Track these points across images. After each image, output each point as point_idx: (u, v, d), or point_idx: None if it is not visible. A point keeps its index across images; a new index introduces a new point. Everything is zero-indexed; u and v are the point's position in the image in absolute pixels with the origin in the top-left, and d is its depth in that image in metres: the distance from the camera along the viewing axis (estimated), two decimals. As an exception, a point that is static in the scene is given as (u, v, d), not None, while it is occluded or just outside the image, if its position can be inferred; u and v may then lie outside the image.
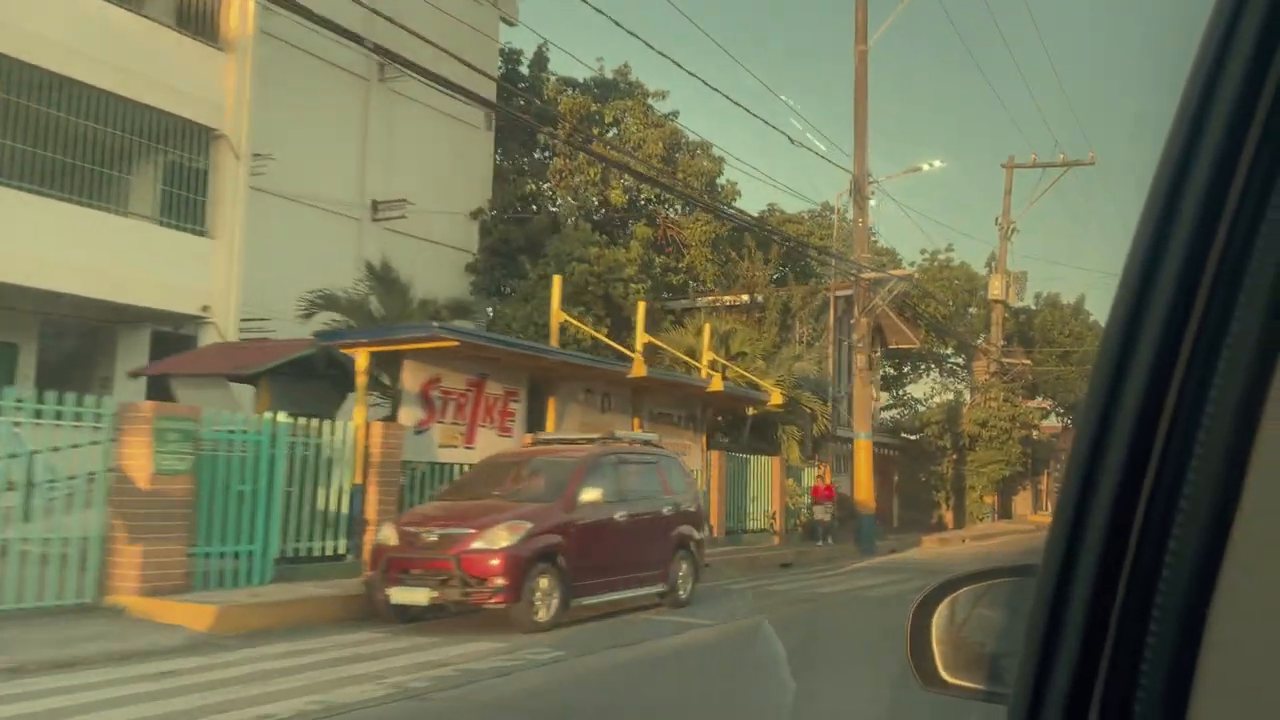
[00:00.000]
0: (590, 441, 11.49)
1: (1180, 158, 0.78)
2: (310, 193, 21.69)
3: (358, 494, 11.50)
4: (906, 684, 1.63)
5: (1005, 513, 41.80)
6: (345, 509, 11.43)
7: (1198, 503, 0.73)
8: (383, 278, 15.54)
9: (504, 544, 9.12)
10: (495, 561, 9.03)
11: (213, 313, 17.35)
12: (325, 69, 22.82)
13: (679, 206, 29.87)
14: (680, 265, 28.81)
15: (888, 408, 39.49)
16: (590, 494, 10.01)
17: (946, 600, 1.67)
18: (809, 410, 21.22)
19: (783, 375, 21.03)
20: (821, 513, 20.57)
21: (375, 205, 23.87)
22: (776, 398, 18.85)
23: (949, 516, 36.32)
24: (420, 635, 9.06)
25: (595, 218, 29.43)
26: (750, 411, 20.74)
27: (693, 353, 19.91)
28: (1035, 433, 55.95)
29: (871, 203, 23.00)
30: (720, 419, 21.17)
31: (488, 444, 13.45)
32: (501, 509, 9.64)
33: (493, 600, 9.04)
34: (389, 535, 9.74)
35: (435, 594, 9.03)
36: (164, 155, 17.70)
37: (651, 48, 16.90)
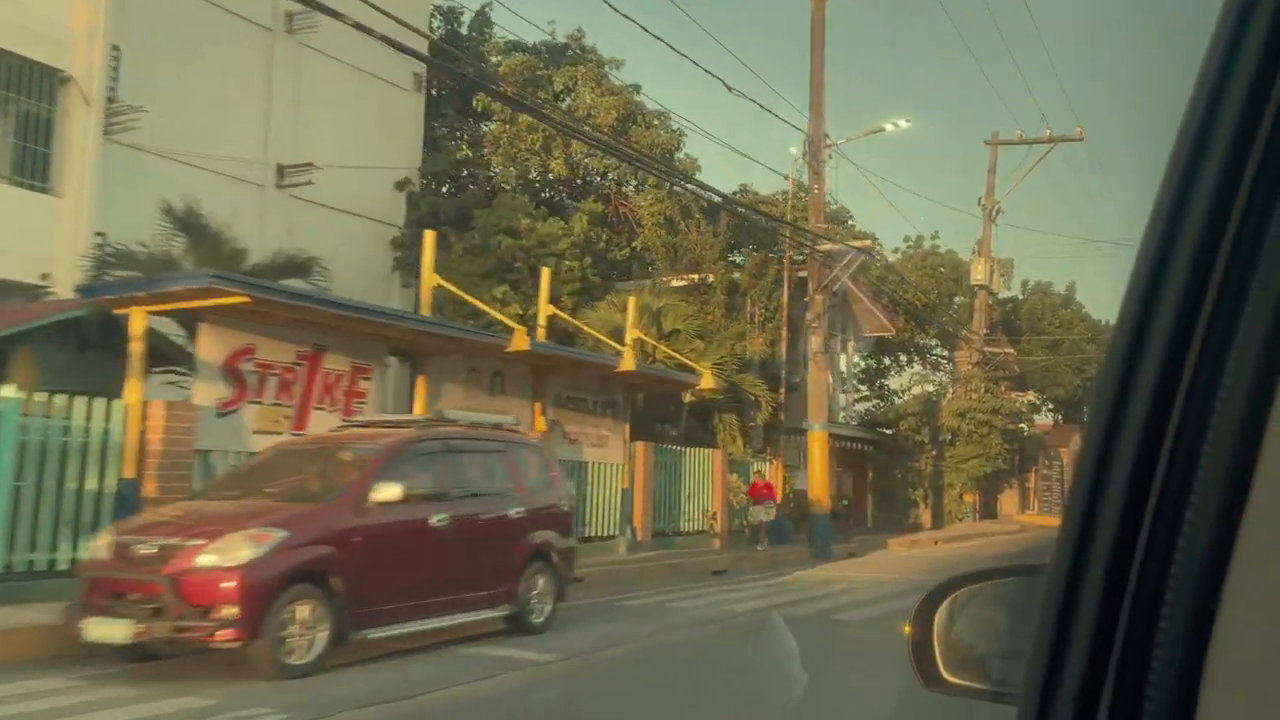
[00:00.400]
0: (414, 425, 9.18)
1: (1189, 156, 0.78)
2: (201, 152, 19.36)
3: (128, 491, 9.19)
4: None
5: (989, 512, 39.55)
6: (108, 510, 9.10)
7: (1206, 503, 0.73)
8: (189, 223, 13.04)
9: (239, 560, 6.76)
10: (225, 584, 6.67)
11: (54, 281, 15.04)
12: (222, 17, 20.51)
13: (635, 182, 27.53)
14: (633, 246, 26.49)
15: (863, 399, 37.19)
16: (387, 491, 7.67)
17: (948, 600, 1.66)
18: (754, 398, 18.88)
19: (724, 357, 18.69)
20: (761, 513, 18.20)
21: (281, 170, 21.55)
22: (708, 380, 16.52)
23: (926, 516, 34.03)
24: (125, 685, 6.74)
25: (543, 195, 27.14)
26: (688, 399, 18.47)
27: (620, 332, 17.62)
28: (1025, 427, 53.84)
29: (832, 167, 20.64)
30: (649, 406, 18.88)
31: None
32: (256, 513, 7.29)
33: (220, 637, 6.67)
34: (100, 547, 7.42)
35: (139, 628, 6.66)
36: (6, 102, 15.41)
37: (609, 4, 14.50)
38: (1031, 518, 41.00)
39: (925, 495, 34.09)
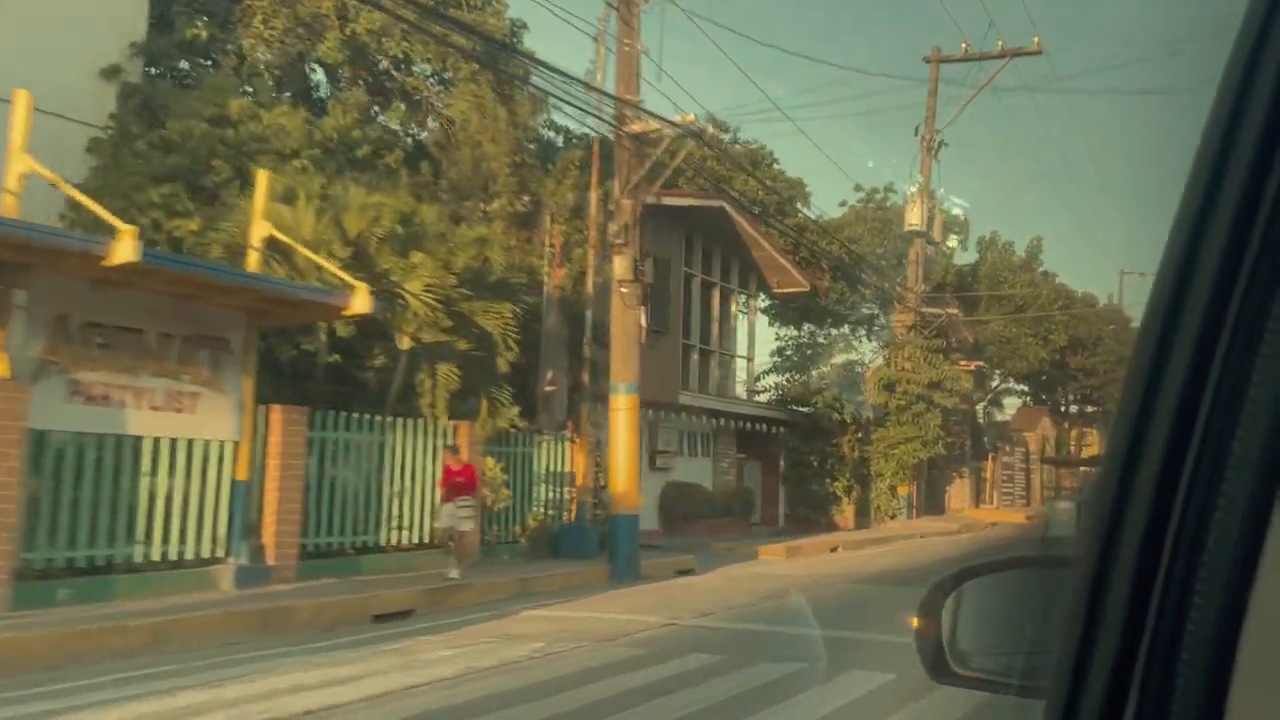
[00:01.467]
0: None
1: (1220, 144, 0.78)
2: None
3: None
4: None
5: (935, 506, 33.41)
6: None
7: (1237, 493, 0.72)
8: None
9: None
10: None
11: None
12: None
13: (445, 73, 21.04)
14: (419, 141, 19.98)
15: (767, 373, 30.88)
16: None
17: (956, 591, 1.65)
18: (501, 339, 12.38)
19: (448, 275, 12.12)
20: (455, 516, 11.61)
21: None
22: (362, 301, 9.96)
23: (848, 513, 27.82)
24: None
25: (315, 89, 20.72)
26: (403, 343, 12.10)
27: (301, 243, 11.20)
28: (997, 411, 47.75)
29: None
30: (350, 357, 12.49)
31: None
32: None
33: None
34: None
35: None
36: None
37: None
38: (986, 513, 34.89)
39: (849, 487, 27.87)
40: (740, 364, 27.48)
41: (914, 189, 28.77)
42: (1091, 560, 0.79)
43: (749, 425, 26.35)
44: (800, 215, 30.74)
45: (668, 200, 21.71)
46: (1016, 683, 1.51)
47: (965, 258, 41.03)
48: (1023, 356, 36.72)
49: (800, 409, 27.69)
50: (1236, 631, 0.70)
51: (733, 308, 25.93)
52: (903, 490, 28.45)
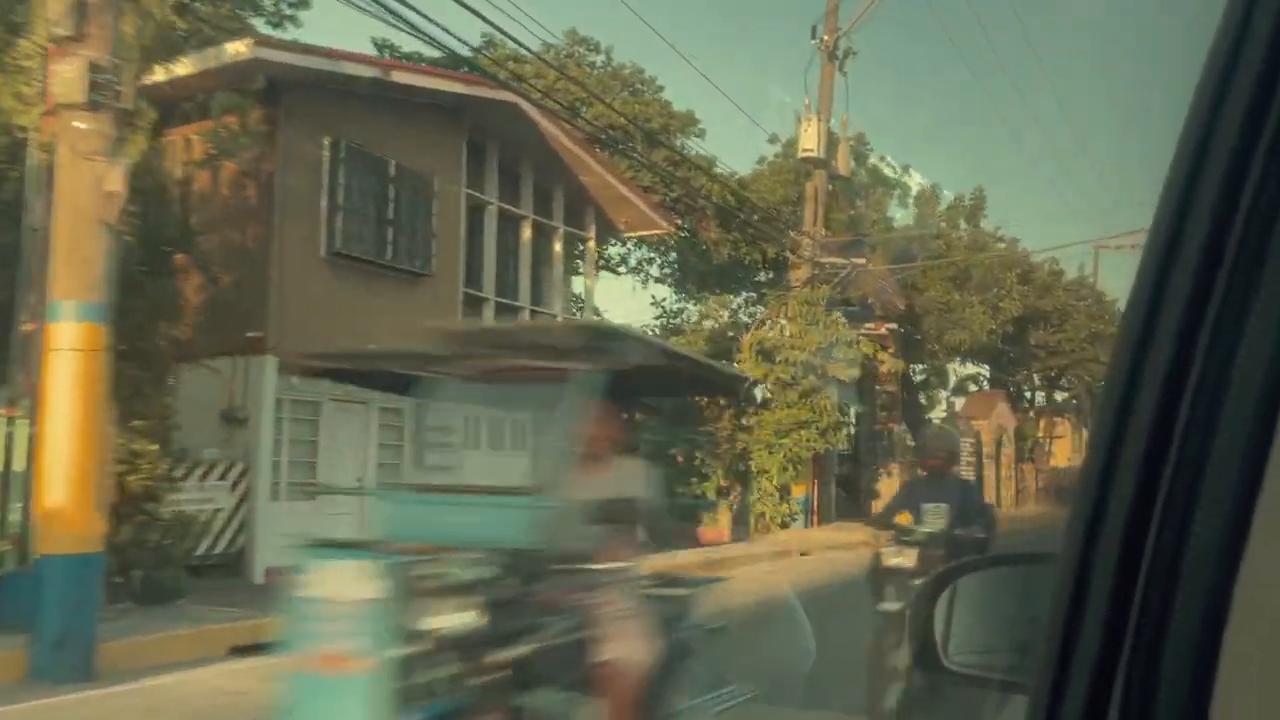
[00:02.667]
0: None
1: (1201, 130, 0.77)
2: None
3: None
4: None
5: (859, 510, 27.11)
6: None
7: (1221, 485, 0.72)
8: None
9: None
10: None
11: None
12: None
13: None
14: None
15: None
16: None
17: (950, 586, 1.67)
18: None
19: None
20: None
21: None
22: None
23: (724, 522, 21.43)
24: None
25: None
26: None
27: None
28: (942, 394, 41.34)
29: None
30: None
31: None
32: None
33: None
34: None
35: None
36: None
37: None
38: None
39: (726, 489, 21.48)
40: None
41: (809, 104, 22.36)
42: (1074, 555, 0.78)
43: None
44: (682, 149, 24.47)
45: (417, 80, 15.31)
46: (1003, 678, 1.55)
47: (904, 217, 34.79)
48: (965, 327, 30.37)
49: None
50: (1221, 626, 0.70)
51: (555, 247, 19.47)
52: (798, 491, 22.04)
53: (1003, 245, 37.58)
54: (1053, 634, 0.79)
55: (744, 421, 21.16)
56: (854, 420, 27.78)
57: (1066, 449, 50.34)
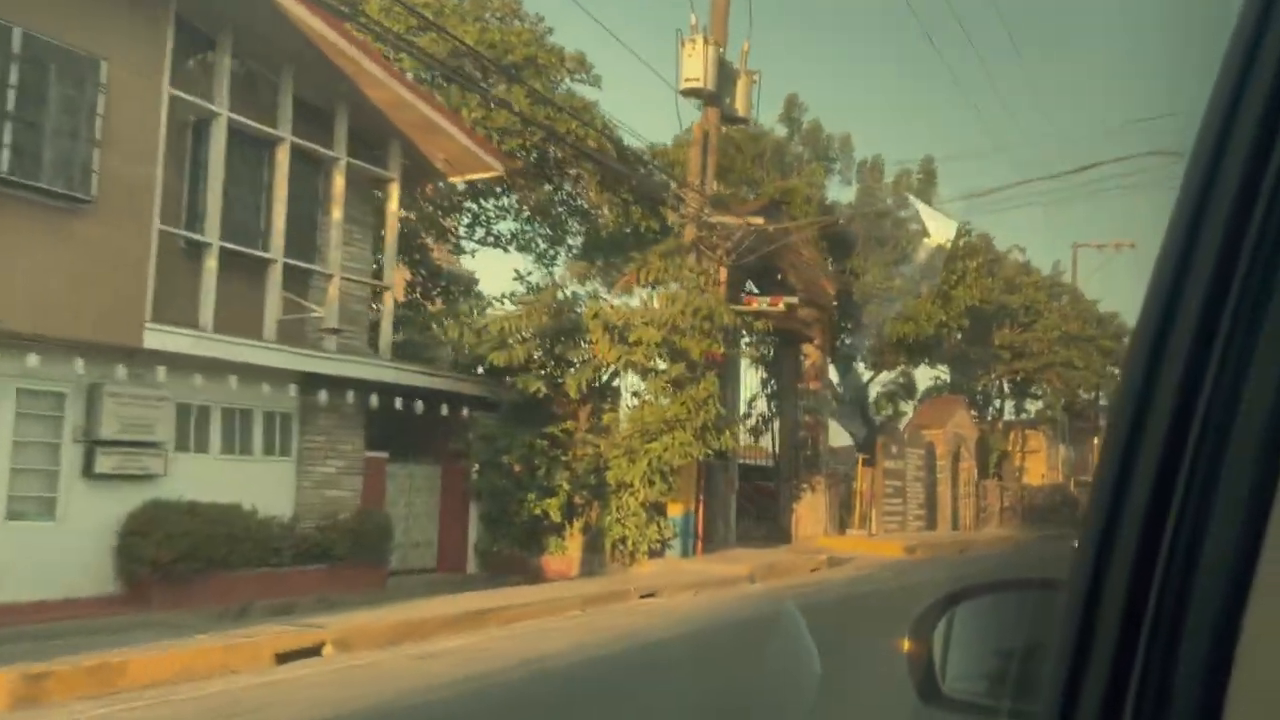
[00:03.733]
0: None
1: (1209, 159, 0.77)
2: None
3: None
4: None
5: (775, 533, 22.36)
6: None
7: (1231, 515, 0.71)
8: None
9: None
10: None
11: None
12: None
13: None
14: None
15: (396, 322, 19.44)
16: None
17: (949, 612, 1.64)
18: None
19: None
20: None
21: None
22: None
23: (574, 549, 16.65)
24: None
25: None
26: None
27: None
28: (883, 402, 36.57)
29: None
30: None
31: None
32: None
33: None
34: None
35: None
36: None
37: None
38: (851, 542, 23.85)
39: (575, 507, 16.70)
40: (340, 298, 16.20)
41: (695, 23, 17.66)
42: (1084, 581, 0.77)
43: (396, 402, 15.17)
44: (556, 90, 19.88)
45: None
46: (1007, 706, 1.50)
47: (845, 194, 30.20)
48: (909, 318, 25.70)
49: (512, 377, 16.45)
50: (1231, 655, 0.69)
51: (334, 185, 14.68)
52: (675, 510, 17.26)
53: (969, 234, 33.14)
54: (1060, 661, 0.77)
55: (601, 421, 16.42)
56: (769, 424, 23.09)
57: (1041, 465, 45.80)
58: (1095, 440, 45.44)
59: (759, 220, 17.56)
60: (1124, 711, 0.73)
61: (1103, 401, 43.16)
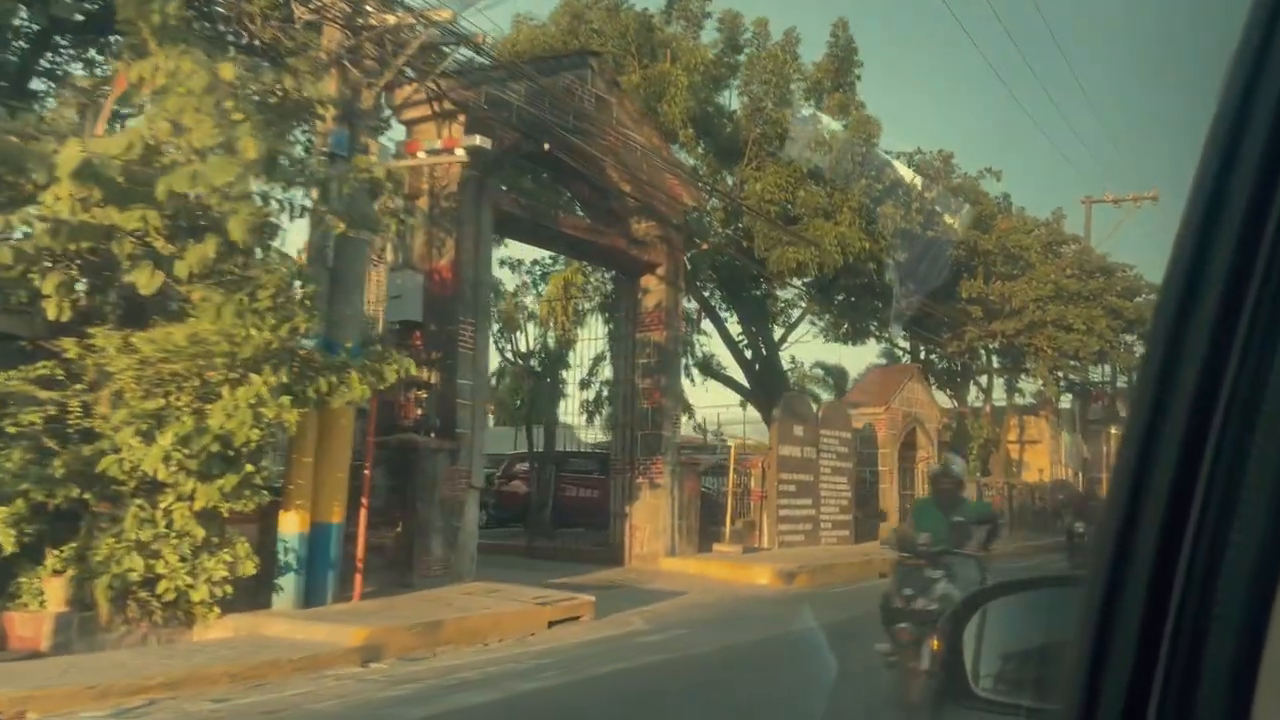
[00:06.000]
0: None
1: (1230, 130, 0.73)
2: None
3: None
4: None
5: (607, 553, 14.54)
6: None
7: (1254, 507, 0.69)
8: None
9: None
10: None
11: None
12: None
13: None
14: None
15: None
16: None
17: (980, 611, 1.60)
18: None
19: None
20: None
21: None
22: None
23: (53, 601, 9.09)
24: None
25: None
26: None
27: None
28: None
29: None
30: None
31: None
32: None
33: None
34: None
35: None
36: None
37: None
38: (714, 565, 16.02)
39: (84, 526, 9.14)
40: None
41: None
42: (1103, 576, 0.75)
43: None
44: None
45: None
46: (1036, 705, 1.46)
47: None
48: (811, 242, 17.89)
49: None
50: (1259, 650, 0.67)
51: None
52: (291, 526, 9.63)
53: (925, 155, 25.43)
54: (1080, 658, 0.75)
55: (93, 348, 8.76)
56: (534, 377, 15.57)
57: (1042, 458, 37.73)
58: (1113, 430, 37.32)
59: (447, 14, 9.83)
60: (1147, 712, 0.70)
61: (1123, 382, 35.25)
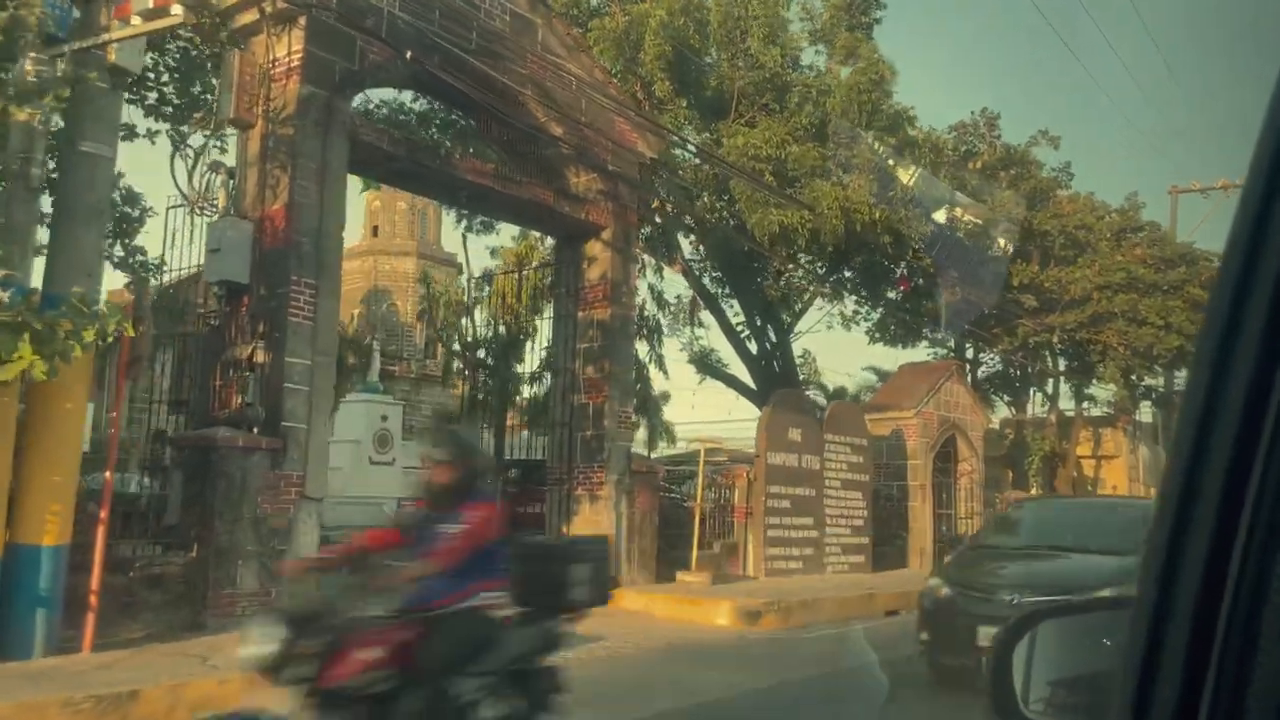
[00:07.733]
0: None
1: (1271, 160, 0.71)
2: None
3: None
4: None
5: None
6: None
7: None
8: None
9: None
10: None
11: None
12: None
13: None
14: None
15: None
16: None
17: (1030, 632, 1.59)
18: None
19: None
20: None
21: None
22: None
23: None
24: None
25: None
26: None
27: None
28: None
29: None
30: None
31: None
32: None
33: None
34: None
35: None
36: None
37: None
38: (667, 601, 12.89)
39: None
40: None
41: None
42: (1150, 598, 0.74)
43: None
44: None
45: None
46: None
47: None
48: (806, 206, 14.63)
49: None
50: None
51: None
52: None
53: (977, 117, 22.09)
54: (1127, 682, 0.75)
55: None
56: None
57: (1119, 475, 33.54)
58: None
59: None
60: None
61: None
